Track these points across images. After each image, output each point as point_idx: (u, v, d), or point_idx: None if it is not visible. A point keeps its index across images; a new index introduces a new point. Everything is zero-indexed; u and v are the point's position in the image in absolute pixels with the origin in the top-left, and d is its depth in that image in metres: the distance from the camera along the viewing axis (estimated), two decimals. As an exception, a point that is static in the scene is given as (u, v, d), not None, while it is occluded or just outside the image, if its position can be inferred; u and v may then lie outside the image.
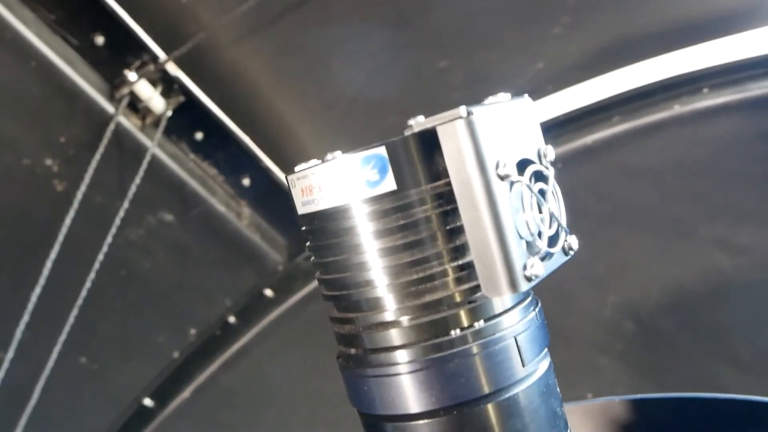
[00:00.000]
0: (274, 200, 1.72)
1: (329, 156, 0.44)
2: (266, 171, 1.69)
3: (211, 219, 1.67)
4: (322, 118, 1.64)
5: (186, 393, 1.79)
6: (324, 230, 0.45)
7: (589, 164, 1.58)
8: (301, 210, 0.47)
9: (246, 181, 1.70)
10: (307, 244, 0.47)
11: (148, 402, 1.78)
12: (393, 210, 0.43)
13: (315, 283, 1.71)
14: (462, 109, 0.41)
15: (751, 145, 1.51)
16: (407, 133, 0.43)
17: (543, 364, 0.48)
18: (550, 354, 0.49)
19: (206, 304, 1.78)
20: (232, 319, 1.80)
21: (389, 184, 0.42)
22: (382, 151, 0.42)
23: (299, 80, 1.62)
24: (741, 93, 1.49)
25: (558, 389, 0.49)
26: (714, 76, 1.52)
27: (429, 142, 0.43)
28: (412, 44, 1.58)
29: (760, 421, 0.74)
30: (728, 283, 1.58)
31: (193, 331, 1.76)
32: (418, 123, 0.43)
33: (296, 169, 0.46)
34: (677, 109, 1.52)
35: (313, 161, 0.45)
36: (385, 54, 1.58)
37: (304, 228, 0.47)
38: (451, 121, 0.41)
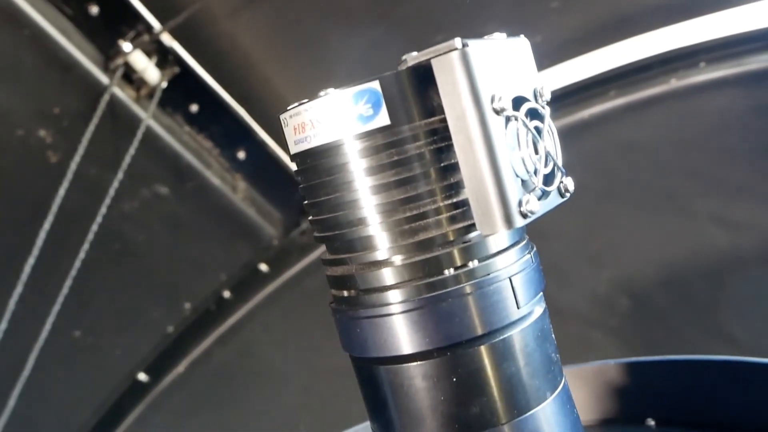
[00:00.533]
0: (269, 174, 1.72)
1: (321, 92, 0.44)
2: (262, 144, 1.68)
3: (206, 192, 1.67)
4: (317, 91, 1.64)
5: (180, 367, 1.79)
6: (317, 168, 0.45)
7: (585, 139, 1.58)
8: (294, 149, 0.46)
9: (241, 155, 1.70)
10: (300, 184, 0.47)
11: (142, 376, 1.78)
12: (386, 146, 0.42)
13: (310, 258, 1.72)
14: (457, 41, 0.41)
15: (748, 120, 1.51)
16: (401, 67, 0.43)
17: (538, 309, 0.47)
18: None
19: (201, 278, 1.78)
20: (226, 294, 1.79)
21: (383, 119, 0.42)
22: (375, 85, 0.42)
23: (295, 53, 1.61)
24: (738, 67, 1.49)
25: (553, 335, 0.49)
26: (711, 50, 1.51)
27: (424, 77, 0.42)
28: (408, 18, 1.57)
29: (753, 382, 0.74)
30: (723, 259, 1.58)
31: (187, 306, 1.76)
32: (412, 57, 0.43)
33: (288, 107, 0.45)
34: (674, 83, 1.52)
35: (305, 100, 0.45)
36: (382, 28, 1.57)
37: (296, 168, 0.47)
38: (445, 53, 0.41)
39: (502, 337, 0.44)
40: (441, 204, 0.43)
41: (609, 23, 1.54)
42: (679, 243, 1.61)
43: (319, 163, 0.44)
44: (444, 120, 0.42)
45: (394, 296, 0.44)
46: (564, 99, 1.57)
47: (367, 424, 0.82)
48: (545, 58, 1.56)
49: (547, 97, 0.46)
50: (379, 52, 1.57)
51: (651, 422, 0.79)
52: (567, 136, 1.52)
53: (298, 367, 1.82)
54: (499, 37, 0.46)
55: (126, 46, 1.51)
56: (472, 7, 1.55)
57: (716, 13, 1.49)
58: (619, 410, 0.82)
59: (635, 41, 1.55)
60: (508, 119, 0.42)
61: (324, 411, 1.80)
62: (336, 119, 0.43)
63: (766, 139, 1.49)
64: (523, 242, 0.47)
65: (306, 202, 0.47)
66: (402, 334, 0.44)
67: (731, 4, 1.48)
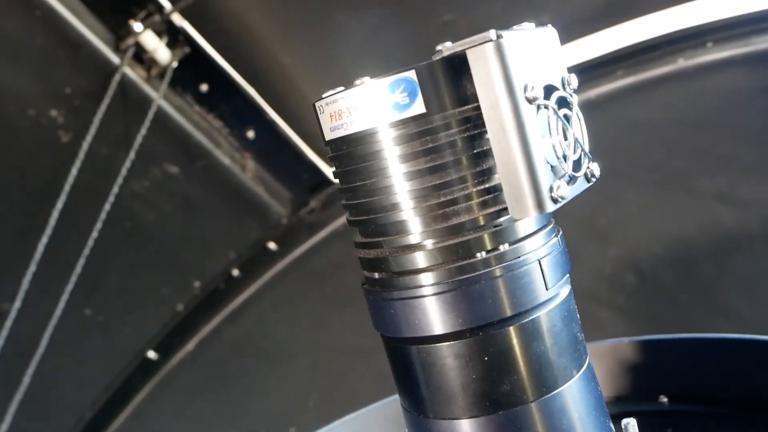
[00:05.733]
0: (278, 153, 1.73)
1: (358, 81, 0.45)
2: (271, 124, 1.69)
3: (215, 171, 1.68)
4: (326, 71, 1.64)
5: (190, 345, 1.80)
6: (352, 155, 0.46)
7: (592, 118, 1.58)
8: (330, 135, 0.47)
9: (251, 134, 1.70)
10: (334, 170, 0.48)
11: (152, 354, 1.80)
12: (421, 133, 0.44)
13: (318, 237, 1.73)
14: (492, 33, 0.42)
15: (754, 100, 1.51)
16: (436, 57, 0.44)
17: (565, 289, 0.49)
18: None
19: (210, 257, 1.79)
20: (236, 272, 1.81)
21: (418, 107, 0.43)
22: (412, 74, 0.43)
23: (304, 32, 1.62)
24: (745, 47, 1.49)
25: (578, 315, 0.50)
26: (718, 30, 1.52)
27: (458, 66, 0.43)
28: (416, -3, 1.58)
29: (764, 358, 0.75)
30: (729, 237, 1.59)
31: (197, 284, 1.77)
32: (447, 47, 0.44)
33: (324, 95, 0.47)
34: (681, 63, 1.52)
35: (340, 88, 0.46)
36: (389, 7, 1.58)
37: (331, 154, 0.48)
38: (481, 44, 0.42)
39: (531, 318, 0.46)
40: (472, 190, 0.44)
41: (616, 3, 1.55)
42: (686, 221, 1.62)
43: (355, 149, 0.46)
44: (477, 108, 0.43)
45: (427, 279, 0.45)
46: (572, 79, 1.58)
47: (369, 408, 0.84)
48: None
49: (575, 85, 0.48)
50: (387, 30, 1.58)
51: (664, 399, 0.81)
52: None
53: (306, 345, 1.84)
54: (528, 27, 0.47)
55: (137, 26, 1.52)
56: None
57: (724, -7, 1.50)
58: (633, 387, 0.83)
59: (643, 21, 1.55)
60: (539, 107, 0.43)
61: (333, 388, 1.82)
62: (372, 107, 0.44)
63: (773, 119, 1.50)
64: (551, 226, 0.49)
65: (340, 186, 0.48)
66: (434, 315, 0.45)
67: (739, -15, 1.48)
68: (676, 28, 1.54)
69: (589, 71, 1.59)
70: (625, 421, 0.56)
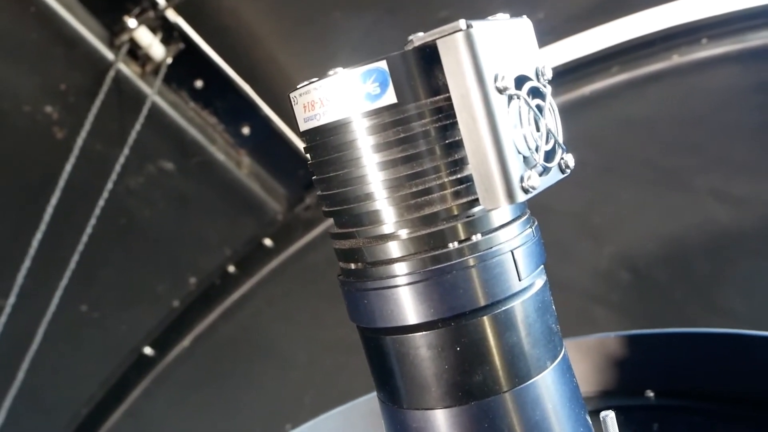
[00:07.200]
0: (274, 149, 1.73)
1: (331, 72, 0.45)
2: (266, 120, 1.69)
3: (210, 168, 1.68)
4: (322, 68, 1.64)
5: (186, 342, 1.80)
6: (325, 145, 0.46)
7: (587, 115, 1.59)
8: (303, 126, 0.47)
9: (246, 130, 1.71)
10: (309, 161, 0.48)
11: (148, 350, 1.80)
12: (393, 123, 0.44)
13: (314, 233, 1.73)
14: (462, 22, 0.42)
15: (749, 96, 1.51)
16: (408, 47, 0.44)
17: (539, 281, 0.49)
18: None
19: (206, 254, 1.79)
20: (231, 269, 1.81)
21: (390, 97, 0.43)
22: (383, 64, 0.43)
23: (300, 28, 1.62)
24: (740, 43, 1.49)
25: (553, 307, 0.50)
26: (713, 26, 1.52)
27: (429, 56, 0.43)
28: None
29: (751, 353, 0.75)
30: (724, 234, 1.59)
31: (192, 280, 1.77)
32: (419, 38, 0.44)
33: (298, 86, 0.47)
34: (676, 59, 1.52)
35: (314, 79, 0.46)
36: (386, 3, 1.58)
37: (305, 145, 0.48)
38: (451, 33, 0.42)
39: (504, 308, 0.46)
40: (445, 180, 0.44)
41: (611, -1, 1.55)
42: (680, 218, 1.62)
43: (328, 140, 0.46)
44: (449, 98, 0.43)
45: (400, 268, 0.46)
46: (566, 75, 1.58)
47: (355, 402, 0.84)
48: (548, 35, 1.57)
49: (549, 75, 0.48)
50: (383, 27, 1.58)
51: (650, 394, 0.81)
52: (569, 112, 1.53)
53: (302, 341, 1.84)
54: (502, 18, 0.47)
55: (131, 22, 1.52)
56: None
57: (718, -11, 1.50)
58: (619, 382, 0.83)
59: (637, 17, 1.55)
60: (510, 98, 0.43)
61: (328, 384, 1.82)
62: (345, 97, 0.44)
63: (768, 115, 1.50)
64: (525, 216, 0.49)
65: (315, 177, 0.48)
66: (408, 305, 0.46)
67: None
68: (671, 24, 1.54)
69: (583, 67, 1.59)
70: (603, 413, 0.56)
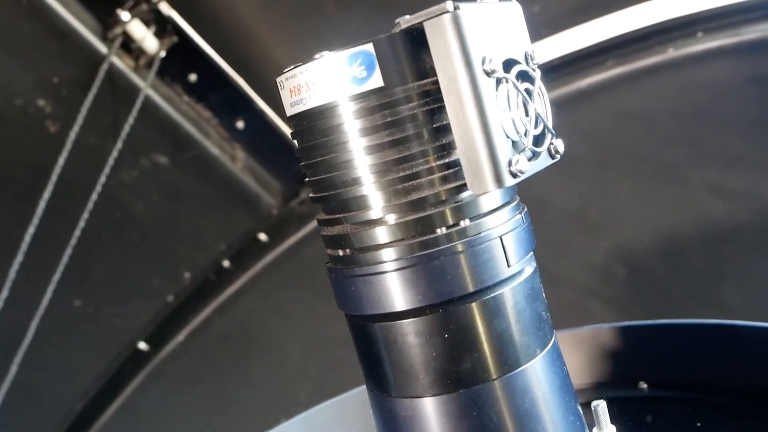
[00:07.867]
0: (268, 143, 1.72)
1: (317, 55, 0.44)
2: (260, 114, 1.68)
3: (205, 162, 1.67)
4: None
5: (180, 336, 1.80)
6: (312, 130, 0.46)
7: (582, 108, 1.58)
8: (290, 111, 0.47)
9: (240, 124, 1.70)
10: (296, 146, 0.48)
11: (142, 345, 1.80)
12: (380, 107, 0.43)
13: (309, 228, 1.72)
14: (449, 4, 0.41)
15: (744, 90, 1.51)
16: (395, 30, 0.43)
17: (528, 268, 0.48)
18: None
19: (200, 248, 1.78)
20: (226, 263, 1.80)
21: (376, 80, 0.43)
22: (369, 47, 0.43)
23: (294, 22, 1.61)
24: (735, 37, 1.48)
25: (543, 294, 0.50)
26: (709, 19, 1.51)
27: (416, 39, 0.43)
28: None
29: (743, 343, 0.75)
30: (720, 228, 1.59)
31: (187, 275, 1.77)
32: (405, 20, 0.43)
33: (284, 70, 0.46)
34: (671, 53, 1.52)
35: (300, 63, 0.46)
36: (381, -2, 1.57)
37: (292, 130, 0.48)
38: (437, 15, 0.42)
39: (492, 295, 0.45)
40: (433, 164, 0.44)
41: (607, -7, 1.54)
42: (676, 212, 1.61)
43: (315, 124, 0.45)
44: (436, 82, 0.43)
45: (388, 254, 0.45)
46: (562, 69, 1.57)
47: (348, 394, 0.83)
48: (543, 28, 1.56)
49: (538, 60, 0.47)
50: (377, 19, 1.57)
51: (643, 385, 0.81)
52: (564, 105, 1.53)
53: (297, 336, 1.83)
54: (491, 1, 0.46)
55: (124, 15, 1.51)
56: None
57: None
58: (612, 374, 0.83)
59: (633, 11, 1.55)
60: (498, 81, 0.43)
61: (324, 378, 1.82)
62: (331, 81, 0.44)
63: (763, 109, 1.49)
64: (514, 203, 0.48)
65: (302, 163, 0.48)
66: (395, 291, 0.45)
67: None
68: (666, 17, 1.54)
69: (579, 61, 1.58)
70: (594, 403, 0.56)
